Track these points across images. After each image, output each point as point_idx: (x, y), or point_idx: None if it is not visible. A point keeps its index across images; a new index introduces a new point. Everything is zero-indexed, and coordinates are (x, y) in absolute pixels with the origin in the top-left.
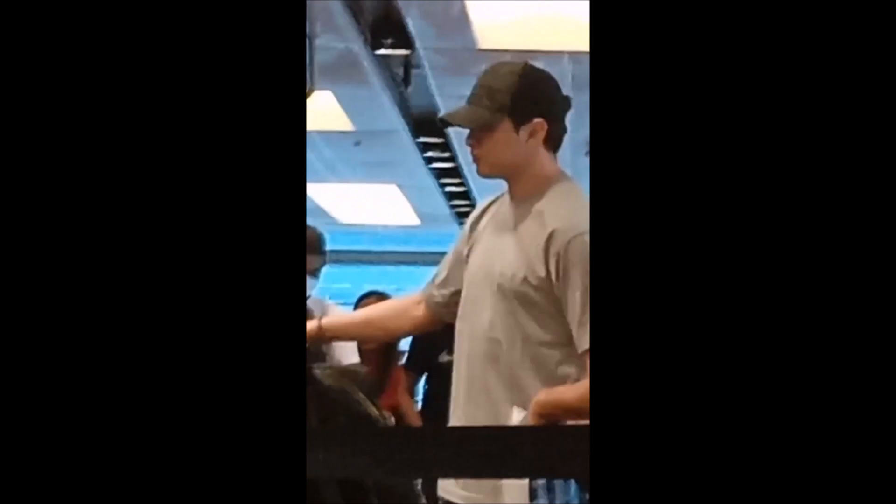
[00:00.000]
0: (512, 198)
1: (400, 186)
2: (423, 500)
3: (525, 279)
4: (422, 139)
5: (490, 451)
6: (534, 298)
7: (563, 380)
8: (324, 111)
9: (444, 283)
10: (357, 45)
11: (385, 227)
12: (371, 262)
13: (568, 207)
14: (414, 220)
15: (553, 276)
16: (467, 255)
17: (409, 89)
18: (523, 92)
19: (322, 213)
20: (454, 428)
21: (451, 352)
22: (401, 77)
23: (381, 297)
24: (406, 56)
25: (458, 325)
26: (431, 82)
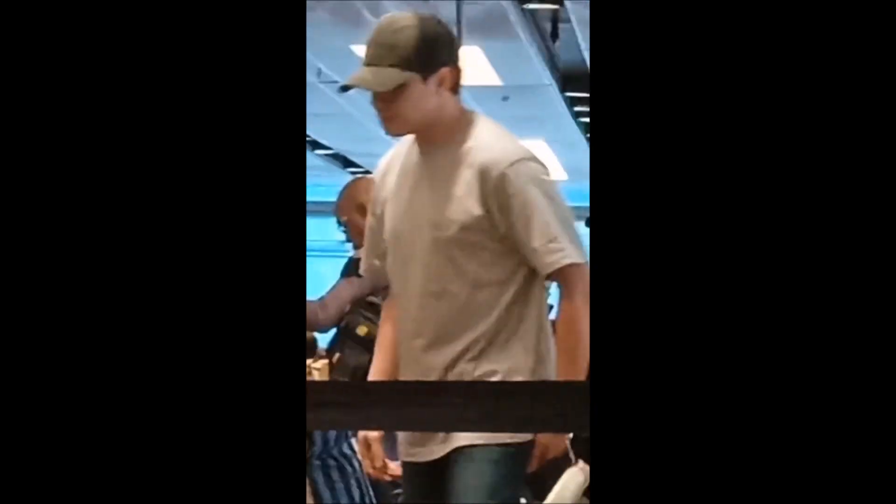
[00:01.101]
0: (424, 149)
1: (547, 141)
2: None
3: (462, 225)
4: (569, 93)
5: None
6: (474, 241)
7: (518, 320)
8: (472, 66)
9: (373, 249)
10: (505, 1)
11: None
12: None
13: (492, 142)
14: (561, 175)
15: (494, 213)
16: (381, 215)
17: (557, 44)
18: (425, 44)
19: None
20: (449, 383)
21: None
22: (549, 31)
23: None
24: (554, 10)
25: (393, 286)
26: (579, 36)
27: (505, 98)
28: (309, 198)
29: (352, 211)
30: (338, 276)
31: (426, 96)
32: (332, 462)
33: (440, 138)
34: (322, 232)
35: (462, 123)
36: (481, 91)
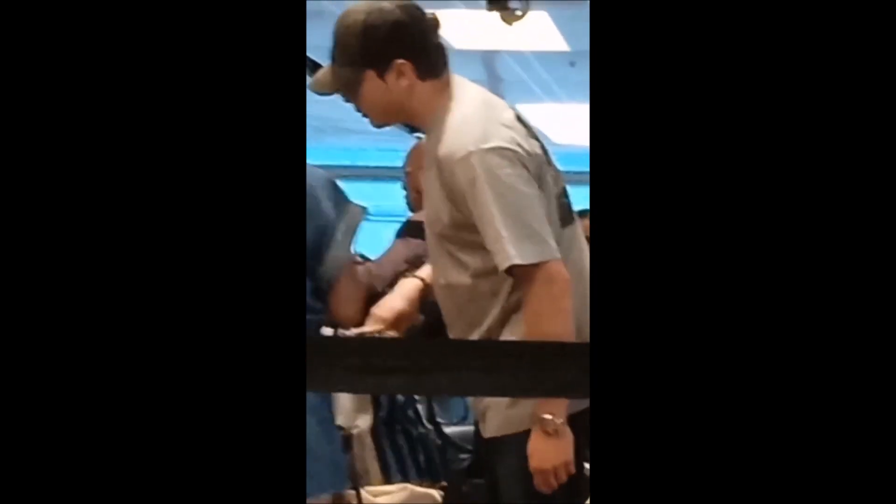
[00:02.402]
0: (427, 138)
1: None
2: None
3: (447, 221)
4: None
5: (488, 368)
6: (464, 235)
7: (517, 306)
8: (539, 32)
9: None
10: None
11: None
12: (583, 183)
13: (451, 133)
14: None
15: (459, 209)
16: None
17: None
18: (372, 39)
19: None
20: (451, 341)
21: None
22: None
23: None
24: None
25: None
26: None
27: (572, 63)
28: (374, 162)
29: (415, 172)
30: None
31: (384, 91)
32: (397, 427)
33: (426, 128)
34: (386, 196)
35: (439, 108)
36: (548, 56)
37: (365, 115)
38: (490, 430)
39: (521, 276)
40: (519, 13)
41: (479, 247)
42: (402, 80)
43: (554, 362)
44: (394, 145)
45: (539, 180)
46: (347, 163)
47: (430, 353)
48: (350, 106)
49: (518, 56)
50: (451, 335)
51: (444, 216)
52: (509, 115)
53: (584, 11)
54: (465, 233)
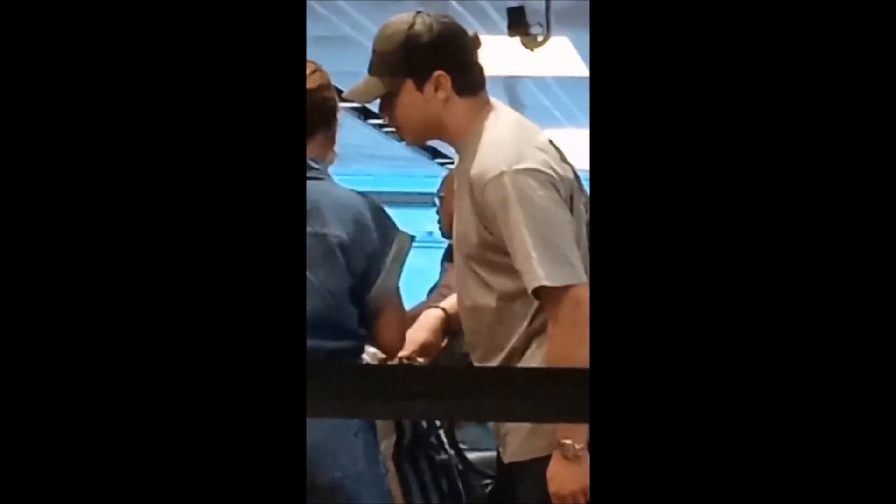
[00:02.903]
0: (458, 158)
1: None
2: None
3: (476, 242)
4: None
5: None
6: (490, 256)
7: (542, 329)
8: (560, 57)
9: None
10: None
11: None
12: None
13: (486, 152)
14: None
15: (489, 230)
16: None
17: None
18: (414, 49)
19: None
20: (450, 368)
21: None
22: None
23: None
24: None
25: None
26: None
27: None
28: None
29: (450, 197)
30: (436, 265)
31: (421, 103)
32: (420, 453)
33: (459, 146)
34: (410, 223)
35: (474, 128)
36: (569, 81)
37: (398, 131)
38: (510, 455)
39: (547, 298)
40: (540, 38)
41: (507, 269)
42: (440, 92)
43: (555, 387)
44: (413, 171)
45: (570, 204)
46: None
47: (433, 379)
48: (370, 132)
49: (539, 82)
50: (474, 357)
51: (473, 236)
52: (543, 139)
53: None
54: (492, 254)
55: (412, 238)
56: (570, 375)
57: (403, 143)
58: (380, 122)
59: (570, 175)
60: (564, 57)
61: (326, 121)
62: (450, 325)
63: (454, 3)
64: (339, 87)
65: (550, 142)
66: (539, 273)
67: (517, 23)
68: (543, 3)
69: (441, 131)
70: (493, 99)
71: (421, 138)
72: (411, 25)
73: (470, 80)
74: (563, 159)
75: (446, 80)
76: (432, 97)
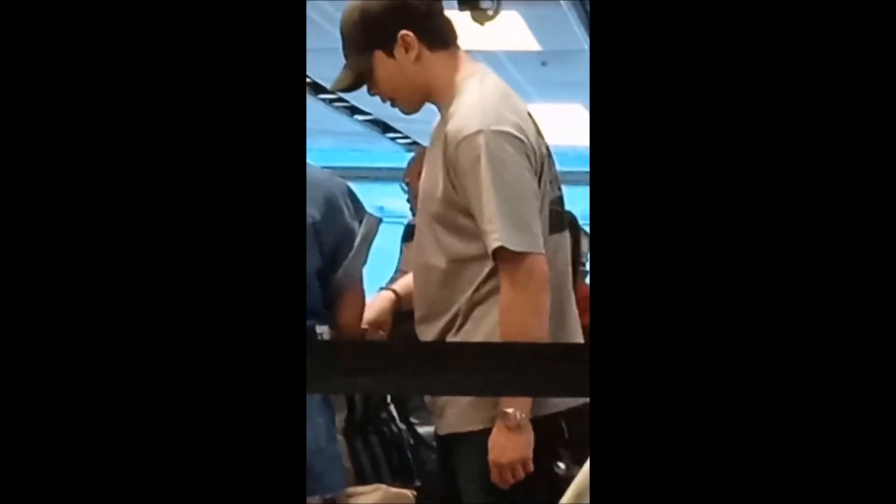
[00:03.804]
0: (440, 117)
1: (586, 106)
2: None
3: (440, 199)
4: None
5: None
6: (450, 216)
7: (486, 297)
8: (511, 31)
9: None
10: None
11: (572, 147)
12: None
13: (464, 110)
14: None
15: (455, 188)
16: None
17: None
18: (371, 19)
19: None
20: (450, 343)
21: None
22: None
23: None
24: None
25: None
26: None
27: (544, 63)
28: (348, 163)
29: (416, 177)
30: (397, 242)
31: (396, 69)
32: (370, 428)
33: (441, 105)
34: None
35: (456, 87)
36: (520, 56)
37: (393, 104)
38: (446, 427)
39: (505, 261)
40: (490, 13)
41: (463, 231)
42: (410, 52)
43: (554, 363)
44: (363, 146)
45: (538, 178)
46: (319, 165)
47: (426, 355)
48: (320, 106)
49: (490, 56)
50: (416, 316)
51: (439, 192)
52: (523, 109)
53: (557, 11)
54: (454, 213)
55: (380, 220)
56: (567, 352)
57: (405, 113)
58: (330, 96)
59: (543, 150)
60: (515, 31)
61: None
62: (400, 307)
63: None
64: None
65: (529, 114)
66: (502, 234)
67: None
68: None
69: (426, 92)
70: (480, 64)
71: (412, 104)
72: (364, 1)
73: (437, 33)
74: (539, 133)
75: (411, 38)
76: (404, 59)
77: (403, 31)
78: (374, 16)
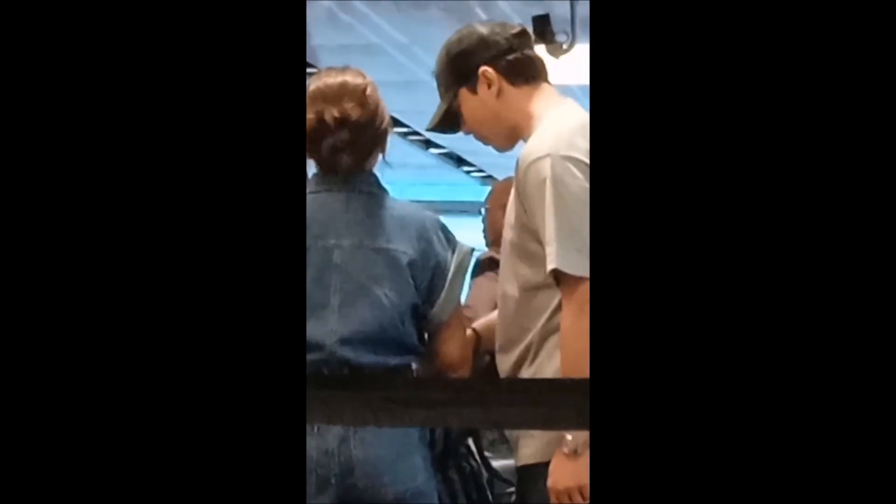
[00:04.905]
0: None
1: None
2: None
3: (514, 224)
4: None
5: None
6: (524, 243)
7: (558, 328)
8: (586, 65)
9: None
10: None
11: None
12: None
13: (537, 137)
14: None
15: (526, 210)
16: None
17: None
18: (455, 57)
19: None
20: (451, 380)
21: None
22: None
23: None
24: None
25: None
26: None
27: None
28: (422, 196)
29: (496, 209)
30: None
31: (479, 105)
32: (450, 462)
33: (524, 136)
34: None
35: (537, 118)
36: None
37: (485, 142)
38: (522, 458)
39: (563, 284)
40: (565, 46)
41: (533, 258)
42: (492, 87)
43: (556, 397)
44: (438, 179)
45: None
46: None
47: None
48: (395, 140)
49: (565, 90)
50: (496, 345)
51: (513, 218)
52: None
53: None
54: (525, 238)
55: (472, 250)
56: (572, 385)
57: (499, 151)
58: (405, 130)
59: None
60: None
61: (383, 135)
62: (480, 346)
63: (479, 12)
64: None
65: None
66: (558, 257)
67: (542, 31)
68: (569, 10)
69: (511, 126)
70: (567, 98)
71: (501, 141)
72: (450, 41)
73: (519, 68)
74: None
75: (491, 73)
76: (486, 94)
77: (484, 67)
78: (457, 53)
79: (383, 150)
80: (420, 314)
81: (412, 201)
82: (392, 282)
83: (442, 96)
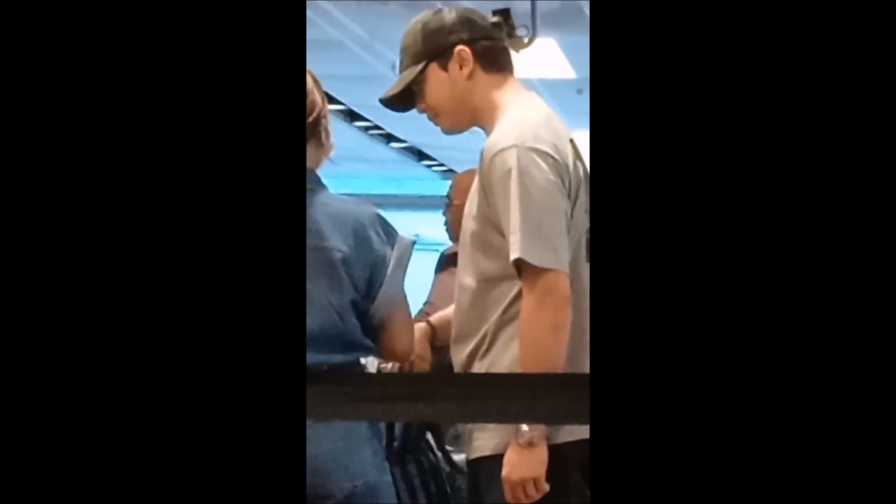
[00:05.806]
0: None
1: None
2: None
3: (476, 216)
4: None
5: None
6: (483, 233)
7: (513, 319)
8: (546, 59)
9: None
10: None
11: None
12: None
13: (502, 128)
14: None
15: (489, 202)
16: None
17: None
18: (431, 32)
19: None
20: (453, 374)
21: None
22: None
23: None
24: None
25: None
26: None
27: (579, 91)
28: (383, 191)
29: (459, 203)
30: (426, 268)
31: (447, 82)
32: (409, 457)
33: (487, 128)
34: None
35: (501, 108)
36: (556, 84)
37: (433, 119)
38: (474, 451)
39: (524, 274)
40: (526, 40)
41: (492, 250)
42: (464, 68)
43: (552, 391)
44: (399, 174)
45: (573, 200)
46: (354, 192)
47: (433, 383)
48: (356, 133)
49: (525, 83)
50: (451, 336)
51: (475, 208)
52: (566, 134)
53: None
54: (486, 230)
55: (413, 242)
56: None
57: (442, 131)
58: (366, 124)
59: (581, 174)
60: (551, 59)
61: (314, 125)
62: (435, 340)
63: (439, 4)
64: (326, 91)
65: (571, 140)
66: (522, 246)
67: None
68: (529, 4)
69: (472, 113)
70: (531, 92)
71: (455, 123)
72: (428, 15)
73: (493, 55)
74: (579, 158)
75: (467, 54)
76: (457, 74)
77: (461, 47)
78: (435, 27)
79: (321, 145)
80: (361, 310)
81: (367, 195)
82: (328, 280)
83: (405, 68)
